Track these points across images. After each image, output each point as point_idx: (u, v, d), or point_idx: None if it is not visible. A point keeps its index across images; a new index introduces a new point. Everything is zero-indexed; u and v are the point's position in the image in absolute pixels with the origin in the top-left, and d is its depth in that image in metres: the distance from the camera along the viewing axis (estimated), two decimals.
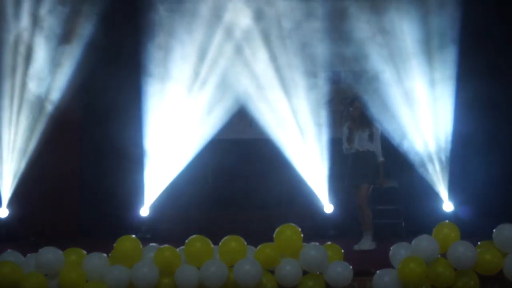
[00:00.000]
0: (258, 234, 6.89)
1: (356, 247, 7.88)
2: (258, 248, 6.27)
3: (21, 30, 9.21)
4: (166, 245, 6.24)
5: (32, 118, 9.35)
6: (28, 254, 6.36)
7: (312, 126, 9.48)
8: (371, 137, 7.93)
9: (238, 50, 9.65)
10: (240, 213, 9.61)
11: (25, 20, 9.21)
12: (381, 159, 8.00)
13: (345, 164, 8.19)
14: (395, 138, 9.46)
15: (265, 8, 9.54)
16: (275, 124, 9.68)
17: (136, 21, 9.64)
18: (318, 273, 6.23)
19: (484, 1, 9.48)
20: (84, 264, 6.20)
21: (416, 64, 9.51)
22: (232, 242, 6.24)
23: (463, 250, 6.03)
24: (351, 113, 8.13)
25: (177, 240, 6.59)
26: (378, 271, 6.18)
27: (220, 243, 6.26)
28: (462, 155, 9.37)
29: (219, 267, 6.06)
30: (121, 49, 9.61)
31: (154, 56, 9.75)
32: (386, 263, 6.25)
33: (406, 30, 9.41)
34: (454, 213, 9.19)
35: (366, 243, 7.82)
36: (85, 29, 9.28)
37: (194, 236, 6.29)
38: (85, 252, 6.37)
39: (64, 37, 9.28)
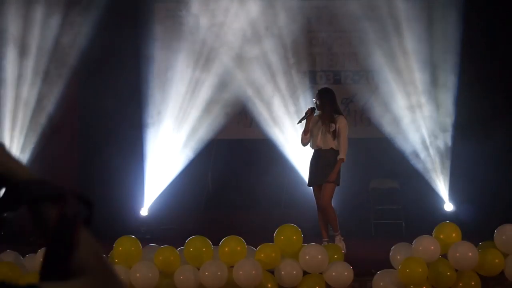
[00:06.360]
0: (258, 234, 6.86)
1: None
2: (258, 248, 6.25)
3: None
4: (166, 245, 6.22)
5: (30, 117, 9.33)
6: (27, 255, 6.33)
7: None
8: (334, 134, 7.38)
9: (238, 51, 9.63)
10: (240, 213, 9.58)
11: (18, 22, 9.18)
12: (341, 157, 7.13)
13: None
14: (396, 137, 9.45)
15: (265, 8, 9.53)
16: (275, 124, 9.66)
17: (136, 18, 9.62)
18: (318, 273, 6.22)
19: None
20: None
21: (417, 64, 9.50)
22: (232, 242, 6.22)
23: (464, 251, 6.01)
24: (317, 104, 7.29)
25: (177, 240, 6.57)
26: (378, 272, 6.16)
27: (220, 243, 6.24)
28: (463, 154, 9.34)
29: (219, 268, 6.04)
30: (121, 46, 9.58)
31: (154, 56, 9.74)
32: (386, 264, 6.23)
33: (406, 25, 9.41)
34: (455, 213, 9.16)
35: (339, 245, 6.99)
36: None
37: (194, 236, 6.28)
38: None
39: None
